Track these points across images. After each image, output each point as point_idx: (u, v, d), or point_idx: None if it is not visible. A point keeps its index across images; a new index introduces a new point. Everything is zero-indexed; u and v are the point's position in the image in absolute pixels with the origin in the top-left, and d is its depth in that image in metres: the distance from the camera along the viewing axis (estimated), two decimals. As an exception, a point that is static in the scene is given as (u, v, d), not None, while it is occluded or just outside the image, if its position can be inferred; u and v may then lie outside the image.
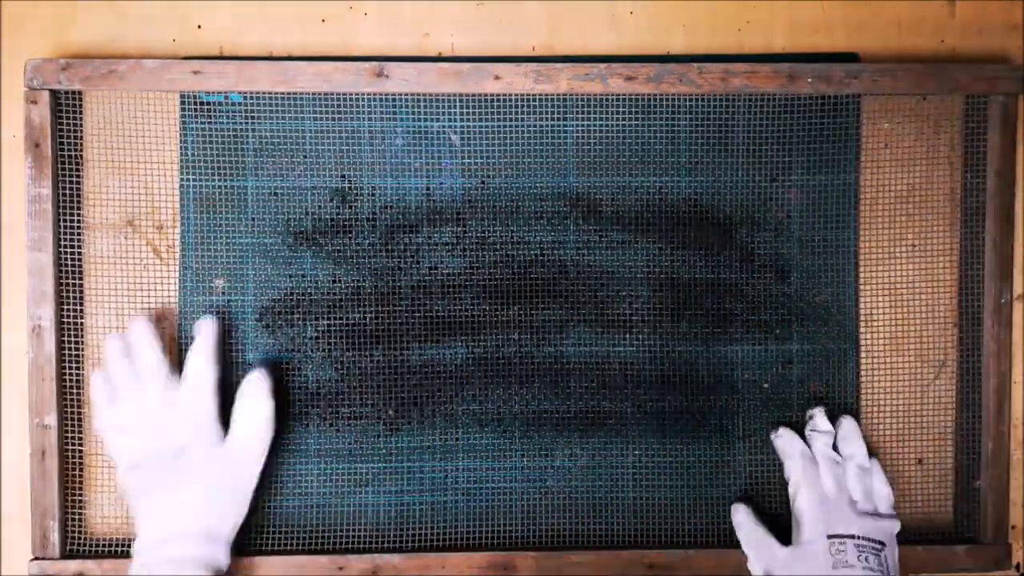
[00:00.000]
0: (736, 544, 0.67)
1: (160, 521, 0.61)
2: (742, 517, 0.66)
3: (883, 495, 0.65)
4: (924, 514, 0.69)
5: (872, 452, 0.67)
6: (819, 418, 0.66)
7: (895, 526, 0.64)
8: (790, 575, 0.62)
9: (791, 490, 0.65)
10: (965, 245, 0.68)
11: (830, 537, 0.62)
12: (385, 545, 0.66)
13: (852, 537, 0.62)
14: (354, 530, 0.67)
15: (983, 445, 0.67)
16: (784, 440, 0.66)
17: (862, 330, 0.68)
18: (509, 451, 0.67)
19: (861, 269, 0.68)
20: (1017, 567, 0.69)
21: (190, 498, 0.61)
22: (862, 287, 0.68)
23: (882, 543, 0.62)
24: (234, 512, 0.62)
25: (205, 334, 0.64)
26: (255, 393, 0.64)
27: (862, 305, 0.68)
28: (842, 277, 0.68)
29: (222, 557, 0.61)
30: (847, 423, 0.66)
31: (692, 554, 0.66)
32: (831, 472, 0.64)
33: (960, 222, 0.68)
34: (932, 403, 0.69)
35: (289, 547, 0.66)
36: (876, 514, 0.64)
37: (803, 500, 0.63)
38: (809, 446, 0.65)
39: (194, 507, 0.61)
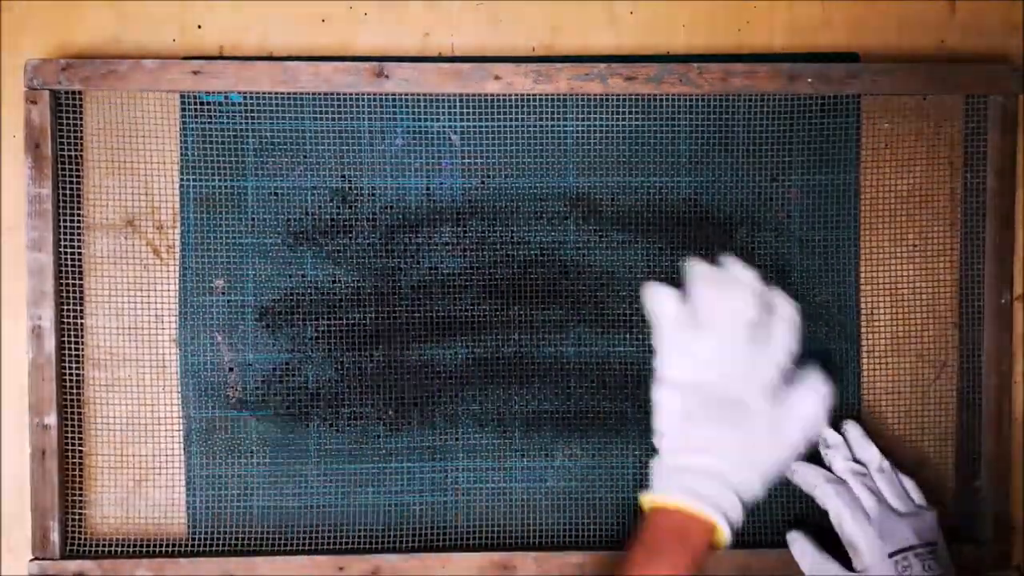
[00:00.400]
0: (736, 545, 0.66)
1: (704, 452, 0.58)
2: (803, 547, 0.64)
3: (913, 489, 0.64)
4: (924, 514, 0.69)
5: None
6: (828, 433, 0.65)
7: (935, 517, 0.63)
8: None
9: (834, 520, 0.63)
10: (965, 245, 0.68)
11: (892, 556, 0.61)
12: (385, 545, 0.66)
13: (911, 548, 0.61)
14: (354, 530, 0.67)
15: (983, 445, 0.67)
16: (803, 474, 0.65)
17: (863, 330, 0.68)
18: (509, 451, 0.67)
19: (861, 269, 0.68)
20: (1017, 567, 0.69)
21: (740, 444, 0.58)
22: (862, 287, 0.68)
23: (934, 542, 0.62)
24: (761, 477, 0.59)
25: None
26: (820, 391, 0.61)
27: (863, 305, 0.68)
28: (842, 277, 0.68)
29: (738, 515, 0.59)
30: (853, 429, 0.66)
31: (692, 554, 0.66)
32: (864, 486, 0.63)
33: (960, 222, 0.68)
34: (932, 403, 0.69)
35: (289, 547, 0.66)
36: (918, 513, 0.63)
37: (851, 526, 0.62)
38: (828, 467, 0.65)
39: (741, 453, 0.58)
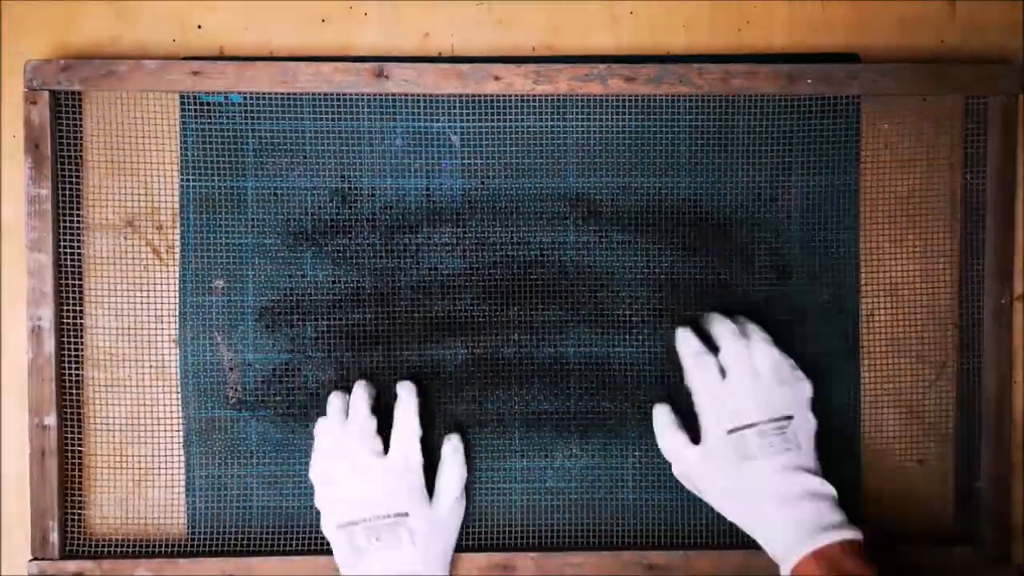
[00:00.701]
0: (735, 545, 0.67)
1: None
2: (660, 416, 0.64)
3: (776, 361, 0.62)
4: (924, 515, 0.69)
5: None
6: (704, 315, 0.65)
7: (805, 389, 0.62)
8: (707, 481, 0.62)
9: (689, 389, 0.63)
10: (965, 245, 0.68)
11: (730, 432, 0.61)
12: (385, 545, 0.66)
13: (752, 426, 0.61)
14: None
15: (983, 446, 0.67)
16: (679, 341, 0.64)
17: (863, 331, 0.68)
18: (509, 451, 0.67)
19: (862, 270, 0.68)
20: (1017, 567, 0.69)
21: (409, 562, 0.61)
22: (862, 288, 0.68)
23: (788, 416, 0.61)
24: (444, 570, 0.63)
25: (407, 401, 0.64)
26: (456, 461, 0.65)
27: (863, 306, 0.68)
28: (842, 278, 0.68)
29: None
30: (743, 319, 0.65)
31: (692, 555, 0.66)
32: (729, 356, 0.62)
33: (960, 222, 0.68)
34: (932, 403, 0.69)
35: (289, 547, 0.66)
36: (771, 387, 0.61)
37: (697, 398, 0.62)
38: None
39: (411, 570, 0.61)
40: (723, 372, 0.62)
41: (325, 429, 0.64)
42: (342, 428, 0.63)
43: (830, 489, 0.60)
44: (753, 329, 0.64)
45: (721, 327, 0.64)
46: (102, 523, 0.67)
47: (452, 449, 0.65)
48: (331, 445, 0.63)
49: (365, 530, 0.61)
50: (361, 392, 0.64)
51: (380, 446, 0.63)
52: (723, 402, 0.62)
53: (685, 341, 0.64)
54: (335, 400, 0.64)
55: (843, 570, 0.57)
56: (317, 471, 0.63)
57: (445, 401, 0.67)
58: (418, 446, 0.63)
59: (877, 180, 0.68)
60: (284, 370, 0.67)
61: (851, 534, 0.58)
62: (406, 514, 0.61)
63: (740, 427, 0.61)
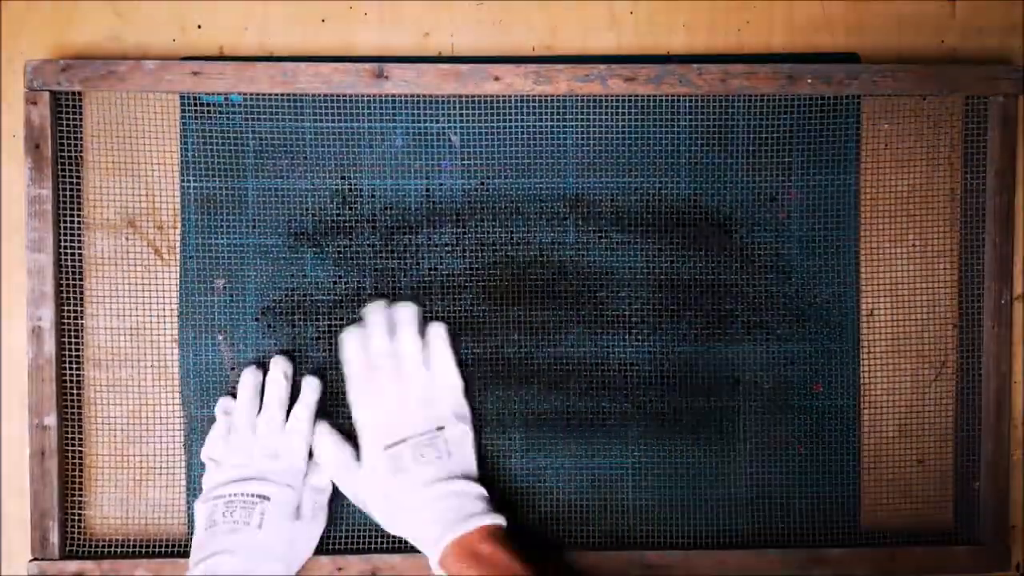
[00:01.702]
0: (736, 545, 0.67)
1: (211, 566, 0.61)
2: (322, 437, 0.64)
3: (442, 372, 0.64)
4: (924, 515, 0.69)
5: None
6: (372, 310, 0.65)
7: (455, 392, 0.64)
8: (370, 497, 0.62)
9: (351, 402, 0.64)
10: (965, 245, 0.68)
11: (387, 448, 0.62)
12: (385, 545, 0.66)
13: (404, 440, 0.62)
14: (354, 530, 0.67)
15: (983, 445, 0.67)
16: (345, 342, 0.65)
17: (862, 330, 0.68)
18: (509, 451, 0.67)
19: (861, 269, 0.68)
20: (1017, 567, 0.69)
21: (246, 548, 0.61)
22: (862, 287, 0.68)
23: (440, 427, 0.63)
24: (281, 570, 0.62)
25: (309, 396, 0.65)
26: (324, 459, 0.64)
27: (862, 305, 0.68)
28: (842, 277, 0.68)
29: None
30: (402, 310, 0.65)
31: (691, 555, 0.66)
32: (388, 373, 0.63)
33: (960, 222, 0.68)
34: (932, 403, 0.69)
35: (289, 547, 0.66)
36: (435, 397, 0.63)
37: (357, 414, 0.63)
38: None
39: (244, 562, 0.61)
40: (389, 381, 0.63)
41: (225, 409, 0.65)
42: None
43: (477, 488, 0.62)
44: (403, 322, 0.64)
45: (375, 318, 0.64)
46: (102, 523, 0.67)
47: (320, 431, 0.64)
48: (236, 423, 0.64)
49: (225, 504, 0.62)
50: (281, 369, 0.65)
51: (279, 434, 0.63)
52: (381, 417, 0.63)
53: (349, 347, 0.65)
54: (250, 378, 0.65)
55: (479, 553, 0.58)
56: (212, 450, 0.64)
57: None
58: (306, 442, 0.64)
59: (877, 180, 0.68)
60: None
61: (489, 519, 0.60)
62: (267, 498, 0.62)
63: (395, 443, 0.62)
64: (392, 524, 0.62)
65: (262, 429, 0.63)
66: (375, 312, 0.64)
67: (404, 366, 0.63)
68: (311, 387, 0.65)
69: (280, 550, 0.62)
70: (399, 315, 0.64)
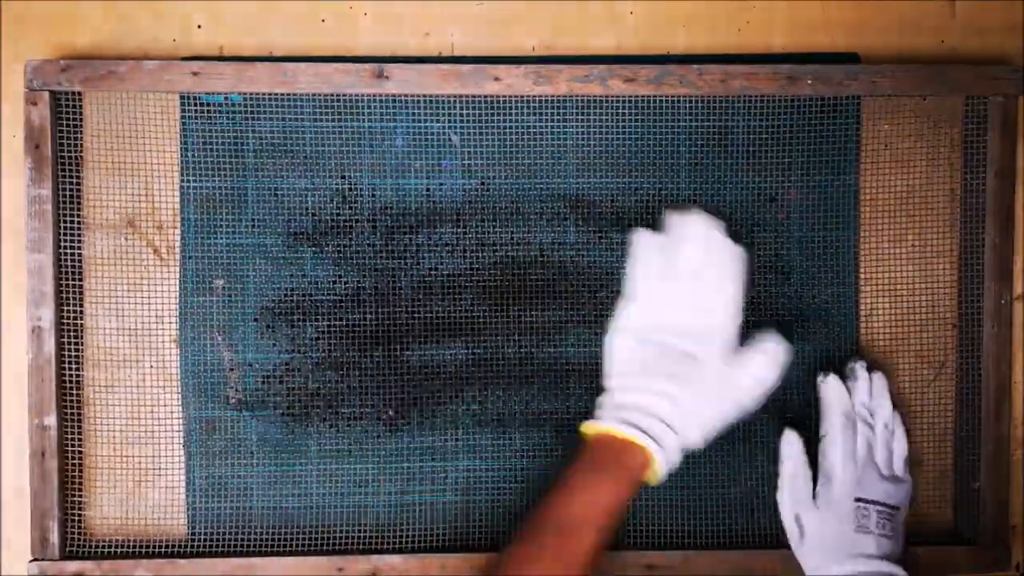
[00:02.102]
0: (736, 545, 0.67)
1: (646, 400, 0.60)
2: (794, 447, 0.65)
3: (902, 457, 0.65)
4: (924, 515, 0.69)
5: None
6: (860, 371, 0.66)
7: (909, 488, 0.65)
8: (817, 527, 0.63)
9: (824, 443, 0.64)
10: (965, 245, 0.68)
11: (857, 500, 0.63)
12: (385, 546, 0.66)
13: (875, 503, 0.63)
14: (354, 530, 0.67)
15: (983, 446, 0.67)
16: (832, 389, 0.65)
17: (862, 330, 0.68)
18: (509, 451, 0.67)
19: (861, 269, 0.68)
20: (1017, 567, 0.69)
21: (684, 394, 0.60)
22: (862, 287, 0.68)
23: (897, 507, 0.64)
24: (698, 436, 0.61)
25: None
26: (773, 353, 0.62)
27: (862, 305, 0.68)
28: (842, 277, 0.68)
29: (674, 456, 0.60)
30: (879, 381, 0.66)
31: (692, 555, 0.66)
32: (864, 433, 0.65)
33: (960, 222, 0.68)
34: (932, 403, 0.69)
35: (289, 547, 0.66)
36: (895, 478, 0.64)
37: (838, 458, 0.64)
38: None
39: (688, 405, 0.60)
40: (865, 441, 0.65)
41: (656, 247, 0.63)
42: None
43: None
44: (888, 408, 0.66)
45: (883, 401, 0.66)
46: (102, 523, 0.67)
47: (769, 343, 0.63)
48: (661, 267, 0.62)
49: (655, 348, 0.61)
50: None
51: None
52: (857, 471, 0.64)
53: (839, 394, 0.65)
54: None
55: None
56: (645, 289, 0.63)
57: (445, 401, 0.67)
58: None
59: (877, 180, 0.68)
60: (284, 370, 0.67)
61: None
62: (695, 357, 0.61)
63: (867, 500, 0.63)
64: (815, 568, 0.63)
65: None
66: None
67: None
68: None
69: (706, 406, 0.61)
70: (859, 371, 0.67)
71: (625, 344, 0.62)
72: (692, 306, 0.61)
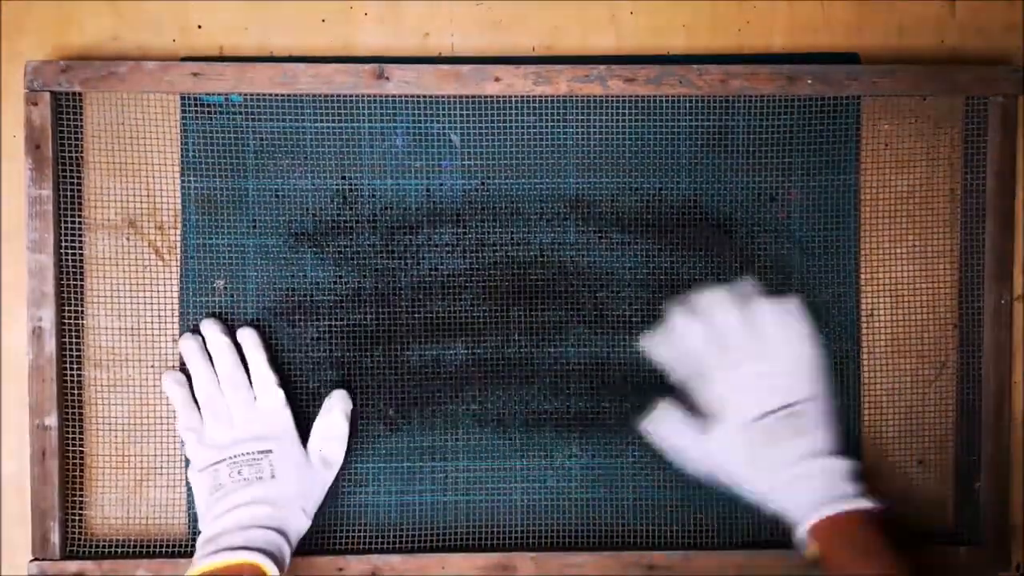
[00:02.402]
0: (736, 545, 0.67)
1: (232, 518, 0.61)
2: (668, 411, 0.64)
3: (789, 317, 0.64)
4: (924, 514, 0.69)
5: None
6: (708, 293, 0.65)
7: (814, 368, 0.64)
8: (722, 460, 0.63)
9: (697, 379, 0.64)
10: (965, 245, 0.68)
11: (755, 420, 0.62)
12: (385, 545, 0.66)
13: (771, 412, 0.61)
14: (354, 530, 0.67)
15: (983, 446, 0.67)
16: (679, 325, 0.64)
17: (863, 330, 0.68)
18: (509, 451, 0.68)
19: (862, 269, 0.68)
20: (1017, 567, 0.69)
21: (267, 497, 0.61)
22: (862, 287, 0.68)
23: (801, 400, 0.62)
24: (303, 519, 0.63)
25: (252, 341, 0.65)
26: (339, 410, 0.65)
27: (863, 305, 0.68)
28: (842, 277, 0.68)
29: (286, 550, 0.61)
30: (747, 285, 0.65)
31: (692, 555, 0.66)
32: (744, 348, 0.63)
33: (960, 222, 0.68)
34: (932, 404, 0.69)
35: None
36: (795, 370, 0.63)
37: (713, 386, 0.63)
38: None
39: (270, 508, 0.61)
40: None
41: (178, 381, 0.65)
42: (208, 371, 0.64)
43: (849, 464, 0.61)
44: (751, 295, 0.64)
45: (714, 296, 0.64)
46: (103, 523, 0.67)
47: (333, 399, 0.65)
48: (198, 396, 0.64)
49: (228, 467, 0.62)
50: (216, 331, 0.65)
51: (249, 394, 0.64)
52: (743, 391, 0.62)
53: (688, 327, 0.64)
54: (191, 343, 0.65)
55: (854, 533, 0.59)
56: (184, 422, 0.64)
57: (445, 401, 0.67)
58: (279, 390, 0.64)
59: (877, 180, 0.68)
60: (285, 370, 0.67)
61: (866, 503, 0.59)
62: (270, 451, 0.62)
63: (763, 414, 0.61)
64: (753, 486, 0.62)
65: (237, 412, 0.63)
66: (714, 292, 0.64)
67: (763, 341, 0.63)
68: (254, 342, 0.65)
69: (299, 491, 0.62)
70: (746, 289, 0.65)
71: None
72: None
